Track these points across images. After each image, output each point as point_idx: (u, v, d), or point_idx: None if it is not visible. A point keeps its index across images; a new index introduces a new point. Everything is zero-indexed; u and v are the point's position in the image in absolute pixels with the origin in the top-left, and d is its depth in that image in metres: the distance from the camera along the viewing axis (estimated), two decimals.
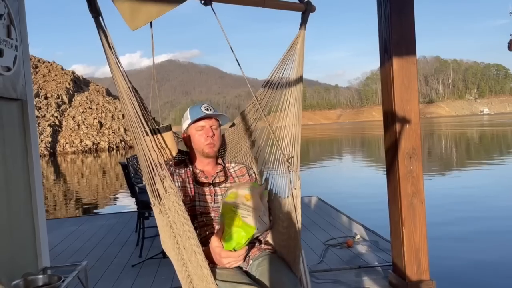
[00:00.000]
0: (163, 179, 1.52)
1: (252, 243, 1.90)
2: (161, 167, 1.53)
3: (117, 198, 12.73)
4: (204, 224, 1.89)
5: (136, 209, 5.68)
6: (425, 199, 3.09)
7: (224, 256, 1.69)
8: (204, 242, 1.78)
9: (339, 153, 26.06)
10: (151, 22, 1.78)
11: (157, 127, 1.94)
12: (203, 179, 1.99)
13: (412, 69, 3.06)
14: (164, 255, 4.22)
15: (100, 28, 1.58)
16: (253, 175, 2.11)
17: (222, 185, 2.00)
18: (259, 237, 1.95)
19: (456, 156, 19.20)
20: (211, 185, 1.98)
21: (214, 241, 1.70)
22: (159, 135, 1.90)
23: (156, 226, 5.48)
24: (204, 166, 2.04)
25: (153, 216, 5.57)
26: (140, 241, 4.65)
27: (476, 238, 5.83)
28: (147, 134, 1.57)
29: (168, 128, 1.94)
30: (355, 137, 45.29)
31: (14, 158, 2.62)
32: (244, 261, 1.80)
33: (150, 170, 1.55)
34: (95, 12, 1.59)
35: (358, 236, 4.63)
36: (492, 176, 12.08)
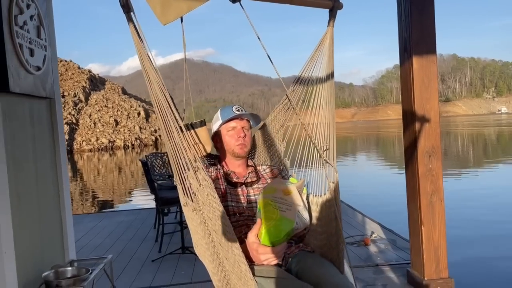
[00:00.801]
0: (197, 171, 1.46)
1: (289, 242, 1.81)
2: (195, 161, 1.48)
3: (134, 195, 12.91)
4: (237, 224, 1.84)
5: (154, 206, 5.78)
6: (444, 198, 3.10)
7: (262, 252, 1.60)
8: (239, 242, 1.61)
9: (353, 152, 25.93)
10: (181, 17, 1.81)
11: (190, 122, 1.93)
12: (235, 180, 1.96)
13: (432, 68, 3.07)
14: (183, 250, 4.30)
15: (132, 23, 1.56)
16: (286, 177, 2.06)
17: (255, 186, 1.98)
18: (297, 237, 1.87)
19: (473, 156, 18.95)
20: (243, 185, 1.96)
21: (251, 237, 1.62)
22: (192, 131, 1.90)
23: (175, 223, 5.55)
24: (235, 167, 2.02)
25: (172, 212, 5.62)
26: (159, 237, 4.75)
27: (495, 237, 5.78)
28: (182, 130, 1.51)
29: (203, 123, 1.94)
30: (370, 136, 44.92)
31: (43, 154, 2.71)
32: (283, 259, 1.71)
33: (182, 166, 1.50)
34: (127, 7, 1.56)
35: (375, 235, 4.65)
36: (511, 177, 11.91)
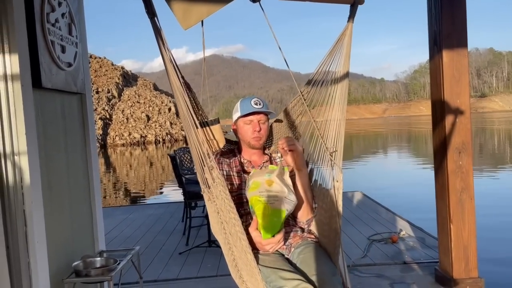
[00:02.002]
0: (211, 169, 1.66)
1: (295, 231, 1.99)
2: (210, 159, 1.68)
3: (164, 189, 13.15)
4: (249, 211, 1.96)
5: (182, 200, 5.87)
6: (474, 196, 3.01)
7: (265, 243, 1.83)
8: (250, 227, 1.89)
9: (384, 149, 25.47)
10: (202, 21, 1.91)
11: (205, 120, 2.07)
12: (250, 169, 2.08)
13: (463, 62, 2.98)
14: (209, 244, 4.36)
15: (156, 28, 1.71)
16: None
17: None
18: (302, 225, 2.04)
19: (510, 154, 18.26)
20: None
21: (252, 231, 1.83)
22: (207, 128, 2.03)
23: (202, 216, 5.66)
24: (251, 156, 2.12)
25: (200, 206, 5.75)
26: (187, 230, 4.83)
27: None
28: (197, 127, 1.70)
29: (216, 121, 2.10)
30: (401, 133, 44.00)
31: (74, 147, 2.80)
32: (284, 243, 1.90)
33: (201, 160, 1.70)
34: (151, 13, 1.72)
35: (404, 232, 4.57)
36: None
